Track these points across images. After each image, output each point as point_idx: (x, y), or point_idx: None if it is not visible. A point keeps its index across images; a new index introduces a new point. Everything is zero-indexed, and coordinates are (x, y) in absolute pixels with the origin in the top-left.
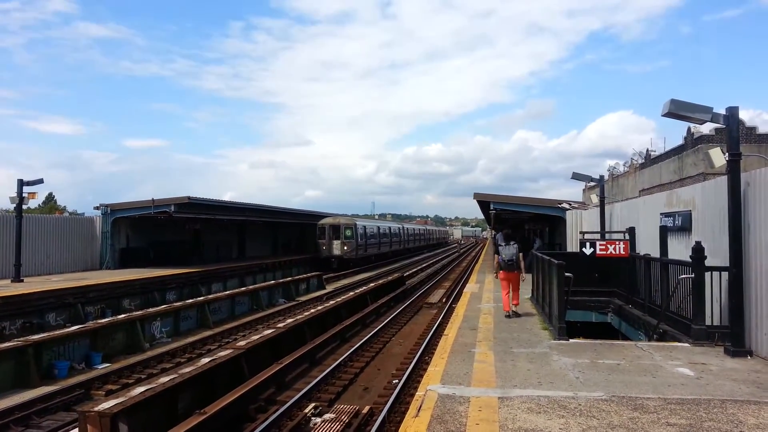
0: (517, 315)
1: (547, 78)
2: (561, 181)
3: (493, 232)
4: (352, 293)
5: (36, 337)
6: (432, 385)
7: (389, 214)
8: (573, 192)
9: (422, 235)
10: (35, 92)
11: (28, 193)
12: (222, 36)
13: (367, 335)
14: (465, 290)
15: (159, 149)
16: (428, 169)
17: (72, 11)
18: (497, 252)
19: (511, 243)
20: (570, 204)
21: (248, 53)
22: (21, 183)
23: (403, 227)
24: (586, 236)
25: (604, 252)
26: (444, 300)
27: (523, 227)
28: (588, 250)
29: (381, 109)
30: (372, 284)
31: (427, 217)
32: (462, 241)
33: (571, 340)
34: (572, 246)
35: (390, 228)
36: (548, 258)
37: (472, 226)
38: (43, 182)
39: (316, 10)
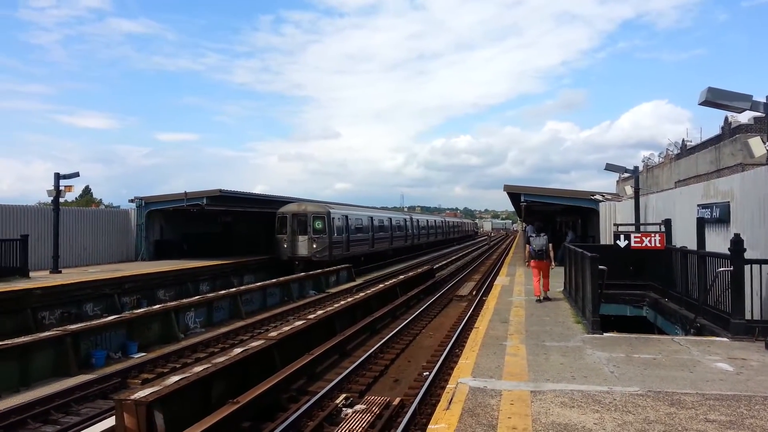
0: (547, 299)
1: (578, 67)
2: (593, 173)
3: (524, 225)
4: (381, 285)
5: (74, 326)
6: (463, 378)
7: (418, 206)
8: (606, 184)
9: (439, 228)
10: (70, 88)
11: (65, 186)
12: (252, 29)
13: (397, 327)
14: (495, 283)
15: (190, 143)
16: (457, 161)
17: (105, 7)
18: (528, 242)
19: (542, 234)
20: (603, 196)
21: (277, 47)
22: (58, 176)
23: (410, 218)
24: (621, 228)
25: (639, 244)
26: (474, 293)
27: (555, 219)
28: (622, 243)
29: (409, 101)
30: (402, 276)
31: (457, 209)
32: (492, 234)
33: (605, 334)
34: (606, 238)
35: (391, 219)
36: (581, 251)
37: (503, 219)
38: (79, 176)
39: (344, 3)
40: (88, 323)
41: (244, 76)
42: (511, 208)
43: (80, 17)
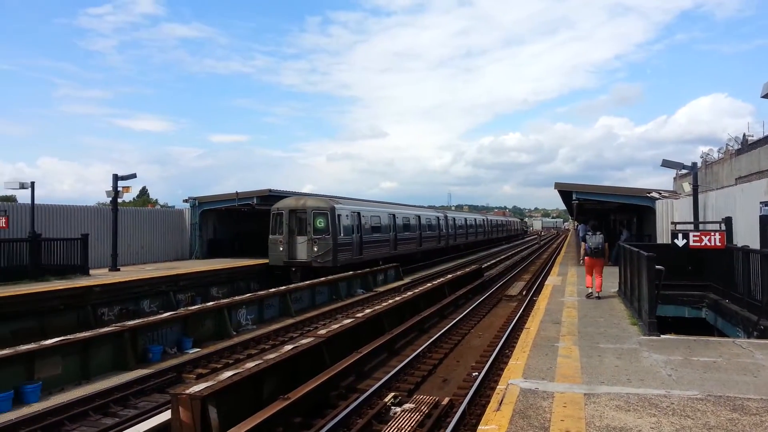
0: (599, 297)
1: (633, 61)
2: (649, 170)
3: (576, 224)
4: (429, 284)
5: (132, 322)
6: (513, 379)
7: (466, 205)
8: (662, 181)
9: (480, 227)
10: (127, 92)
11: (123, 187)
12: (299, 31)
13: (445, 327)
14: (546, 283)
15: (241, 144)
16: (506, 159)
17: (159, 13)
18: (584, 240)
19: (597, 233)
20: (660, 193)
21: (325, 47)
22: (116, 178)
23: (444, 217)
24: (678, 227)
25: (698, 243)
26: (524, 292)
27: (609, 218)
28: (680, 242)
29: (456, 98)
30: (450, 276)
31: (505, 208)
32: (542, 233)
33: (662, 336)
34: (663, 237)
35: (419, 217)
36: (637, 250)
37: (553, 217)
38: (136, 177)
39: (391, 1)
40: (146, 319)
41: (292, 77)
42: (562, 207)
43: (135, 23)
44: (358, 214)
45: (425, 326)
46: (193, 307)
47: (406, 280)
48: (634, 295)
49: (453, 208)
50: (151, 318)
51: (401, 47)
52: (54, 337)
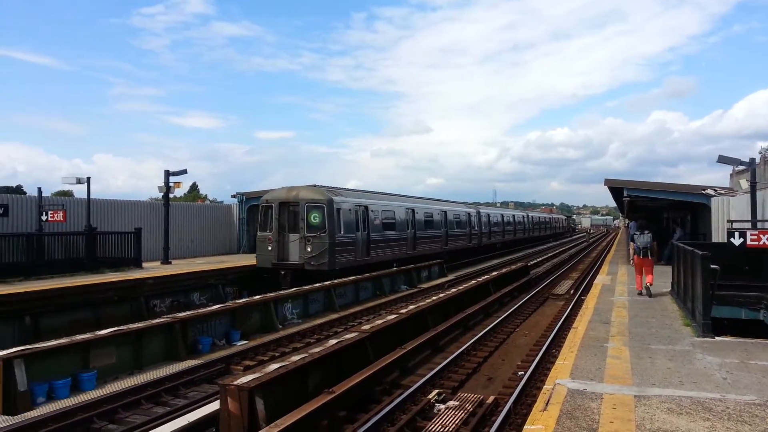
0: (649, 295)
1: (687, 53)
2: (704, 166)
3: (627, 221)
4: (474, 281)
5: (183, 314)
6: (561, 379)
7: (511, 201)
8: (718, 177)
9: (520, 224)
10: (178, 90)
11: (174, 182)
12: (345, 28)
13: (490, 324)
14: (595, 282)
15: (287, 140)
16: (553, 155)
17: (209, 12)
18: (632, 239)
19: (645, 232)
20: (716, 190)
21: (370, 43)
22: (168, 174)
23: (477, 213)
24: (735, 225)
25: (756, 242)
26: (572, 291)
27: (661, 215)
28: (737, 241)
29: (502, 93)
30: (495, 273)
31: (552, 204)
32: (591, 231)
33: (717, 338)
34: (718, 236)
35: (445, 213)
36: (691, 249)
37: (603, 215)
38: (186, 173)
39: None
40: (196, 311)
41: (337, 74)
42: (612, 204)
43: (186, 22)
44: (366, 208)
45: (470, 323)
46: (240, 300)
47: (450, 276)
48: (687, 295)
49: (498, 204)
50: (201, 310)
51: (447, 42)
52: (108, 328)
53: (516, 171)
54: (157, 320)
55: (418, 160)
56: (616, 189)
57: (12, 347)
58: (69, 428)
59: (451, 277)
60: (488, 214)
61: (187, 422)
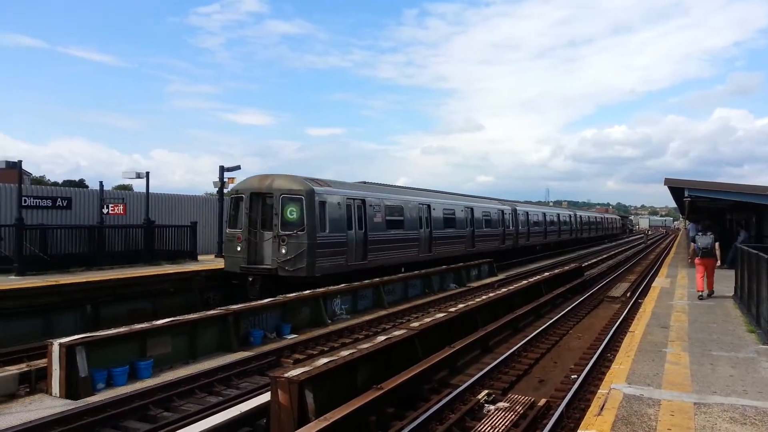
0: (710, 297)
1: (754, 48)
2: None
3: (687, 222)
4: (525, 282)
5: (235, 306)
6: (616, 384)
7: (565, 201)
8: None
9: (565, 224)
10: (233, 87)
11: (228, 178)
12: (397, 24)
13: (541, 326)
14: (653, 285)
15: (337, 137)
16: (610, 153)
17: (263, 11)
18: (693, 240)
19: (708, 233)
20: None
21: (421, 40)
22: (222, 169)
23: (512, 211)
24: None
25: None
26: (628, 294)
27: (724, 217)
28: None
29: (556, 90)
30: (547, 273)
31: (608, 204)
32: (649, 232)
33: None
34: None
35: (472, 210)
36: (756, 252)
37: (662, 216)
38: (240, 168)
39: None
40: (248, 304)
41: (388, 70)
42: (672, 204)
43: (241, 21)
44: (363, 202)
45: (520, 324)
46: (290, 295)
47: (500, 276)
48: (752, 300)
49: (551, 203)
50: (253, 303)
51: (500, 38)
52: (164, 318)
53: (570, 169)
54: (211, 312)
55: (469, 157)
56: (676, 189)
57: (74, 335)
58: (126, 414)
59: (501, 276)
60: (527, 213)
61: (239, 412)
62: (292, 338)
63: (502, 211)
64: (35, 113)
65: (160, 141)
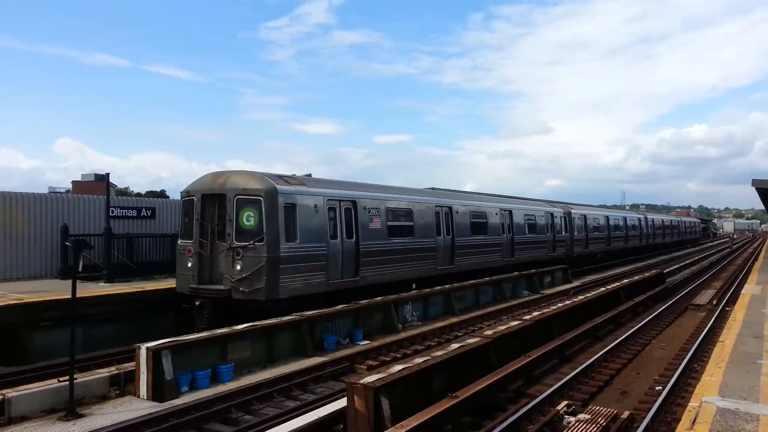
0: None
1: None
2: None
3: None
4: (603, 289)
5: (310, 312)
6: (708, 397)
7: (642, 204)
8: None
9: (634, 228)
10: (302, 98)
11: None
12: (462, 29)
13: (622, 335)
14: (743, 292)
15: (404, 144)
16: (690, 154)
17: (330, 22)
18: None
19: None
20: None
21: (487, 43)
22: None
23: (565, 214)
24: None
25: None
26: (715, 302)
27: None
28: None
29: (630, 89)
30: (626, 280)
31: (689, 207)
32: (734, 236)
33: None
34: None
35: (510, 213)
36: None
37: (747, 218)
38: (311, 176)
39: None
40: (321, 310)
41: (454, 76)
42: (760, 206)
43: (310, 33)
44: (354, 204)
45: (599, 333)
46: (363, 302)
47: (576, 283)
48: None
49: (627, 207)
50: (326, 309)
51: (569, 37)
52: (243, 324)
53: (647, 171)
54: (286, 318)
55: (538, 161)
56: (765, 190)
57: (159, 339)
58: (209, 417)
59: (576, 283)
60: (584, 216)
61: (316, 417)
62: (364, 344)
63: (551, 215)
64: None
65: (236, 152)
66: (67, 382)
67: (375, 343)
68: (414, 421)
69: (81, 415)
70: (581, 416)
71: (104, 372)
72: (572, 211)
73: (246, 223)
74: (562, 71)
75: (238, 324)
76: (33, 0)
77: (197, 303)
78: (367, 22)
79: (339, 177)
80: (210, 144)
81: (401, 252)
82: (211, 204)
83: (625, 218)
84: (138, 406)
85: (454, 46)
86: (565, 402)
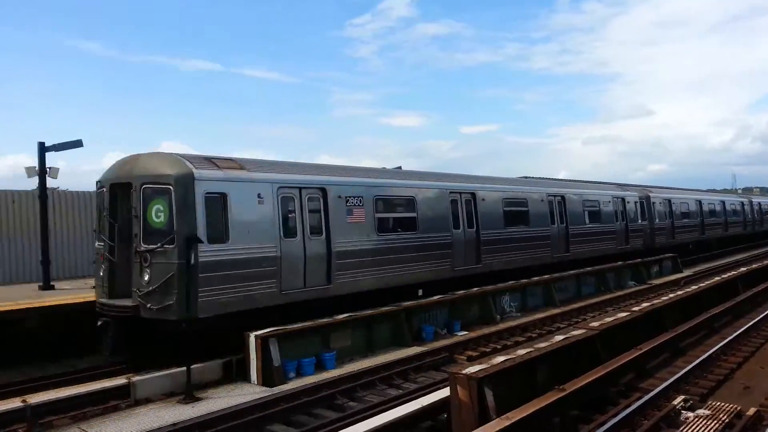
0: None
1: None
2: None
3: None
4: (717, 278)
5: (407, 303)
6: None
7: (756, 188)
8: None
9: (737, 214)
10: (386, 92)
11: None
12: (549, 12)
13: (741, 327)
14: None
15: (491, 133)
16: None
17: (412, 15)
18: None
19: None
20: None
21: (577, 26)
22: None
23: (646, 198)
24: None
25: None
26: None
27: None
28: None
29: (737, 64)
30: (743, 269)
31: None
32: None
33: None
34: None
35: (561, 201)
36: None
37: None
38: (401, 168)
39: None
40: (418, 301)
41: (541, 61)
42: None
43: (392, 27)
44: (322, 192)
45: (715, 325)
46: (459, 292)
47: (686, 272)
48: None
49: (739, 191)
50: (423, 300)
51: (666, 14)
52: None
53: (760, 152)
54: (384, 308)
55: (637, 145)
56: None
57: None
58: (316, 402)
59: (687, 273)
60: (668, 201)
61: (420, 406)
62: (462, 335)
63: (623, 200)
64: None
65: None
66: (184, 368)
67: (473, 334)
68: (520, 413)
69: (198, 399)
70: (700, 412)
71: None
72: (651, 195)
73: (155, 219)
74: (660, 50)
75: (148, 348)
76: (130, 14)
77: (98, 323)
78: (449, 13)
79: (427, 169)
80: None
81: (399, 251)
82: (122, 197)
83: (723, 202)
84: (249, 391)
85: (540, 31)
86: (682, 397)
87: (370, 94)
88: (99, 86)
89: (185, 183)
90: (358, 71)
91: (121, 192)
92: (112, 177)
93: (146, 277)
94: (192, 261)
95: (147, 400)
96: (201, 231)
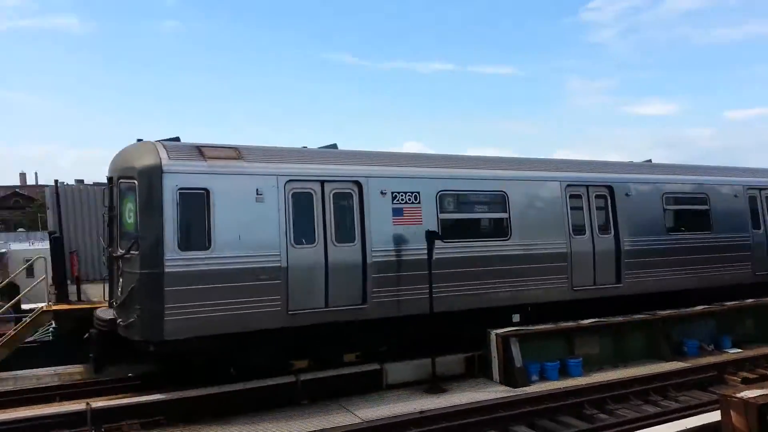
0: None
1: None
2: None
3: None
4: None
5: (662, 312)
6: None
7: None
8: None
9: None
10: (629, 77)
11: None
12: None
13: None
14: None
15: (765, 117)
16: None
17: None
18: None
19: None
20: None
21: None
22: None
23: None
24: None
25: None
26: None
27: None
28: None
29: None
30: None
31: None
32: None
33: None
34: None
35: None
36: None
37: None
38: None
39: None
40: (675, 311)
41: None
42: None
43: (636, 7)
44: (358, 186)
45: None
46: (728, 303)
47: None
48: None
49: None
50: (682, 310)
51: None
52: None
53: None
54: (637, 316)
55: None
56: None
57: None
58: (561, 409)
59: None
60: None
61: (684, 428)
62: (734, 352)
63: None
64: (449, 128)
65: (562, 142)
66: (429, 359)
67: (750, 353)
68: None
69: (443, 390)
70: None
71: (460, 354)
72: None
73: (128, 220)
74: None
75: (133, 360)
76: (366, 24)
77: (86, 335)
78: None
79: (681, 159)
80: (536, 136)
81: (469, 261)
82: (111, 192)
83: None
84: (492, 389)
85: None
86: None
87: (612, 80)
88: (354, 91)
89: (149, 177)
90: (597, 57)
91: (112, 188)
92: (109, 170)
93: (119, 288)
94: (159, 270)
95: (396, 386)
96: (170, 235)
